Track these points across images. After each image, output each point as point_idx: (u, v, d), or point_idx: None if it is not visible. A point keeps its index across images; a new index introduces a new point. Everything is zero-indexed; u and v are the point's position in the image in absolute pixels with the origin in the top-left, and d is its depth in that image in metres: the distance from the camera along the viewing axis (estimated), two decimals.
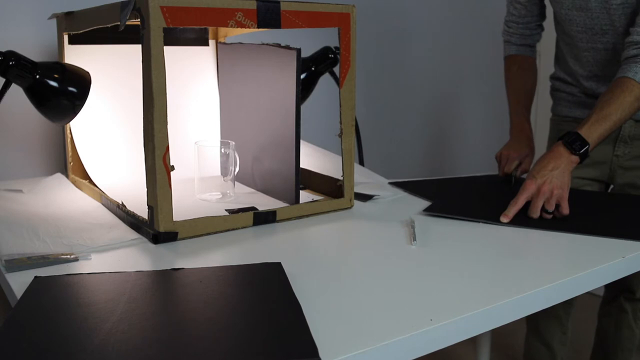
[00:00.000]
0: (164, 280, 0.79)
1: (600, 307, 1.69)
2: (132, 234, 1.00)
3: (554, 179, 1.14)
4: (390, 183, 1.41)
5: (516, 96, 1.53)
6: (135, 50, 1.32)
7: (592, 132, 1.20)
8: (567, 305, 1.65)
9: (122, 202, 1.07)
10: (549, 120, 1.66)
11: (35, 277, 0.80)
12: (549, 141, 1.66)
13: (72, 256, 0.89)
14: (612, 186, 1.56)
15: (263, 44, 1.19)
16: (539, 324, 1.70)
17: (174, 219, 0.97)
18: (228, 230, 1.04)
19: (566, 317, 1.67)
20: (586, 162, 1.54)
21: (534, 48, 1.60)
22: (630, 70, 1.23)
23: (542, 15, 1.56)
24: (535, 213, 1.13)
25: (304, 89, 1.44)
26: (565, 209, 1.13)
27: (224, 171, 1.22)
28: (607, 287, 1.65)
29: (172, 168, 0.97)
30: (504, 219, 1.11)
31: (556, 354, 1.69)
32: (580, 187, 1.45)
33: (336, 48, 1.43)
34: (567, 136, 1.20)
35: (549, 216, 1.13)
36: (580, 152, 1.18)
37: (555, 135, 1.63)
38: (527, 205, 1.14)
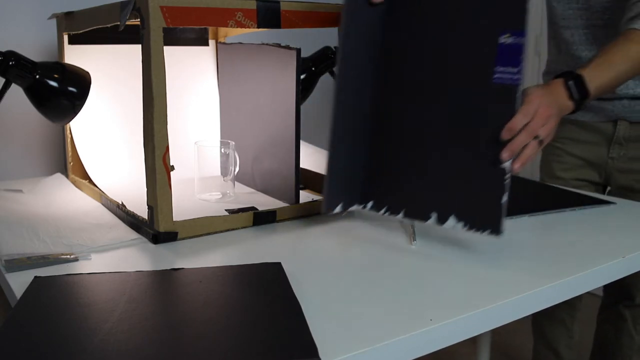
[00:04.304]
0: (164, 281, 0.79)
1: (599, 313, 1.68)
2: (132, 234, 1.00)
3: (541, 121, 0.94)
4: None
5: None
6: (135, 50, 1.33)
7: (593, 77, 1.06)
8: (571, 309, 1.63)
9: (122, 202, 1.07)
10: None
11: (35, 277, 0.80)
12: None
13: (72, 256, 0.89)
14: (608, 188, 1.54)
15: (263, 44, 1.19)
16: (544, 330, 1.68)
17: (174, 219, 0.97)
18: (228, 230, 1.04)
19: (571, 320, 1.65)
20: (582, 164, 1.52)
21: None
22: (636, 23, 1.14)
23: None
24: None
25: (304, 89, 1.44)
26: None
27: (224, 171, 1.22)
28: (606, 292, 1.64)
29: (172, 168, 0.97)
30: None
31: (563, 358, 1.68)
32: (578, 188, 1.44)
33: (336, 48, 1.43)
34: (567, 76, 1.05)
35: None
36: (578, 99, 1.04)
37: None
38: (523, 205, 1.13)
